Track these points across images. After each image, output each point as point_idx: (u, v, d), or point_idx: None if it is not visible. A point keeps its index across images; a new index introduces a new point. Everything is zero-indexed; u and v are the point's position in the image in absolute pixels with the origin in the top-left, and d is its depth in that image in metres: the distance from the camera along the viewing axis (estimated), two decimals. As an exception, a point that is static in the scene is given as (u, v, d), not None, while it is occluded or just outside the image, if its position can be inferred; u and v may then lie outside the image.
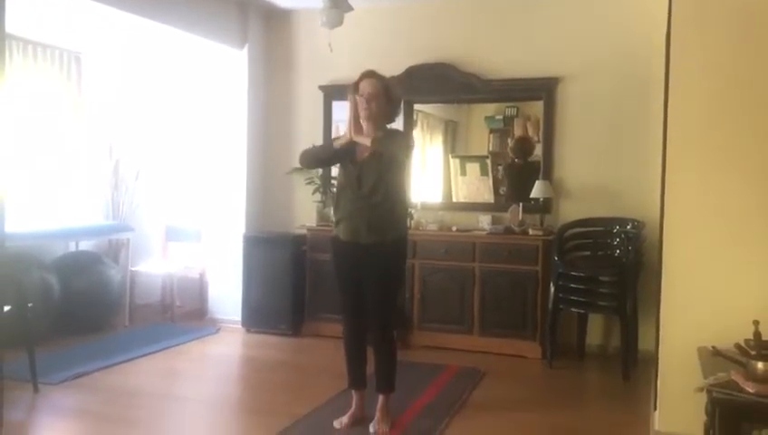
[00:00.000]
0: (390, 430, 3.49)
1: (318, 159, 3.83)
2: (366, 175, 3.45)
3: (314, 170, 5.79)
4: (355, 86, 3.53)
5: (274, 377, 4.60)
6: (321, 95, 6.02)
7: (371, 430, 3.48)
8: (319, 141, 5.90)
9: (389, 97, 3.52)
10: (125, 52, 6.27)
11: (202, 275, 6.26)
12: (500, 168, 5.76)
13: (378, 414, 3.54)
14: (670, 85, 3.40)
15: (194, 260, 6.22)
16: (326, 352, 5.09)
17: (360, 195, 3.45)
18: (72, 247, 5.93)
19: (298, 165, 5.72)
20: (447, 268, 5.25)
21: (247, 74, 6.01)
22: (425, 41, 5.67)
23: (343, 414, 3.60)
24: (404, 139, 3.63)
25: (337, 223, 3.58)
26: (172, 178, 6.38)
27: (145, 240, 6.29)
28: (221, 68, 6.07)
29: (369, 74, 3.53)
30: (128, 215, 6.27)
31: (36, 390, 4.05)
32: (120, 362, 4.74)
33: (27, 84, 5.54)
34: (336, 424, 3.55)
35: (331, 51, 5.11)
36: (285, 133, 6.17)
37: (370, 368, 3.65)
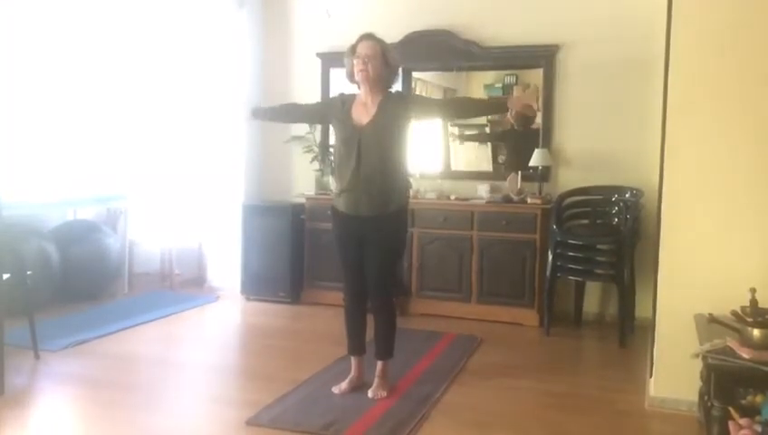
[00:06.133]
0: (389, 395, 3.52)
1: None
2: (366, 145, 3.42)
3: (312, 139, 5.79)
4: (352, 49, 3.51)
5: (274, 343, 4.64)
6: (319, 62, 5.97)
7: (370, 395, 3.51)
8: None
9: (387, 60, 3.47)
10: (122, 13, 6.19)
11: (201, 244, 6.27)
12: (488, 131, 5.71)
13: (376, 380, 3.58)
14: (671, 53, 3.38)
15: (193, 228, 6.22)
16: (325, 320, 5.13)
17: (360, 167, 3.41)
18: (69, 216, 5.93)
19: (296, 133, 5.78)
20: (446, 237, 5.26)
21: (246, 37, 5.96)
22: (424, 7, 5.60)
23: (342, 380, 3.63)
24: (402, 97, 3.60)
25: (337, 194, 3.56)
26: (170, 147, 6.35)
27: (143, 208, 6.28)
28: (219, 33, 6.01)
29: (367, 37, 3.50)
30: (125, 183, 6.25)
31: (37, 356, 4.08)
32: (120, 330, 4.76)
33: (25, 46, 5.48)
34: (335, 390, 3.58)
35: (329, 17, 5.05)
36: (283, 101, 6.04)
37: (369, 335, 3.68)
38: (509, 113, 3.51)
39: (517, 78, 5.64)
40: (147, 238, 6.22)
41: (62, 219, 5.84)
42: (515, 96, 3.45)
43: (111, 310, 5.33)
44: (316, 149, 5.79)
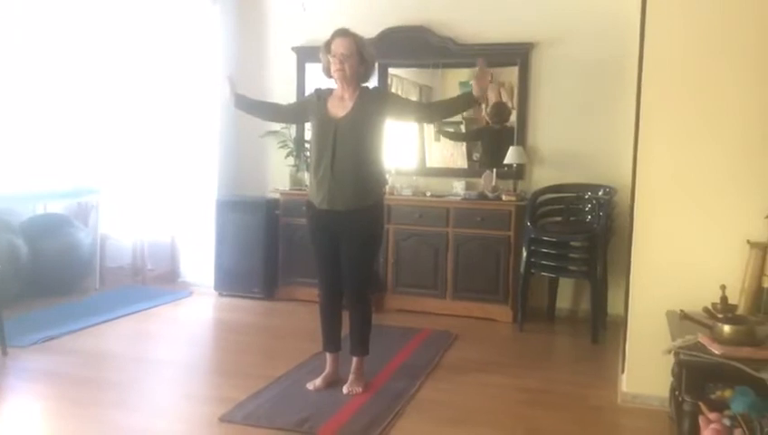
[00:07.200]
0: (364, 391, 3.52)
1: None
2: (342, 138, 3.40)
3: (287, 134, 5.75)
4: (327, 46, 3.47)
5: (248, 340, 4.61)
6: (294, 57, 5.93)
7: (345, 391, 3.51)
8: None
9: (363, 57, 3.46)
10: (94, 6, 6.09)
11: (174, 239, 6.21)
12: (463, 129, 5.73)
13: (351, 376, 3.57)
14: (645, 53, 3.42)
15: (165, 223, 6.16)
16: (300, 316, 5.11)
17: (336, 159, 3.39)
18: (40, 210, 5.83)
19: (271, 128, 5.74)
20: (421, 233, 5.27)
21: (220, 31, 5.91)
22: (401, 3, 5.59)
23: (317, 377, 3.62)
24: (380, 94, 3.57)
25: (312, 188, 3.53)
26: (143, 140, 6.27)
27: (115, 202, 6.20)
28: (193, 28, 5.95)
29: (342, 33, 3.46)
30: (97, 176, 6.16)
31: (5, 353, 4.01)
32: (91, 326, 4.70)
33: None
34: (309, 386, 3.56)
35: (305, 10, 5.01)
36: (258, 96, 5.90)
37: (345, 331, 3.67)
38: (480, 102, 3.45)
39: (492, 76, 5.63)
40: (119, 232, 6.14)
41: (31, 213, 5.74)
42: (475, 78, 3.41)
43: (82, 305, 5.26)
44: (291, 145, 5.76)
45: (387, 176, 3.72)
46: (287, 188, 5.70)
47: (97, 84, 6.21)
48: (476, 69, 3.40)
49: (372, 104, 3.45)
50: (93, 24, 6.14)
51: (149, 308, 5.27)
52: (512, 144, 5.34)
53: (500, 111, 5.59)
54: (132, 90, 6.24)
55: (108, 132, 6.26)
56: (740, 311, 2.95)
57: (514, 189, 5.26)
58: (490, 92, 5.63)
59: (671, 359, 2.75)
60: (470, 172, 5.59)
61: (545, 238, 4.85)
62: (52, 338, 4.36)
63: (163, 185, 6.19)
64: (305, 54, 5.78)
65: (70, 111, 6.07)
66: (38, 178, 5.78)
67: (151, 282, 6.04)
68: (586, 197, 5.04)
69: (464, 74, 5.70)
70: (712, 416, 2.47)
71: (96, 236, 5.92)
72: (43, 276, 5.35)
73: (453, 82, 5.77)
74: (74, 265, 5.62)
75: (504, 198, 5.13)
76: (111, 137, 6.27)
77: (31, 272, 5.24)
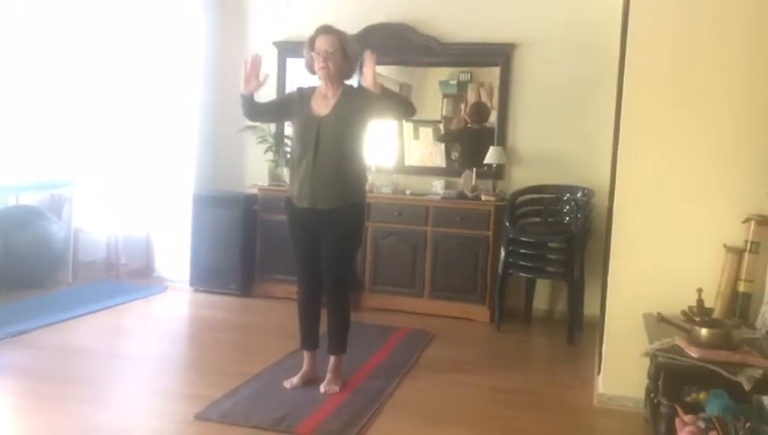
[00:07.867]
0: (341, 390, 3.50)
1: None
2: (325, 136, 3.37)
3: (267, 129, 5.71)
4: (311, 42, 3.44)
5: (223, 337, 4.56)
6: (275, 52, 5.88)
7: (322, 390, 3.48)
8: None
9: (347, 54, 3.44)
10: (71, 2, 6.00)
11: (148, 233, 6.13)
12: (441, 127, 5.71)
13: (329, 375, 3.56)
14: (627, 57, 3.44)
15: (140, 217, 6.08)
16: (277, 313, 5.07)
17: (318, 158, 3.36)
18: (11, 202, 5.72)
19: (250, 123, 5.68)
20: (400, 232, 5.26)
21: (200, 25, 5.84)
22: (384, 0, 5.57)
23: (294, 375, 3.59)
24: (363, 93, 3.53)
25: (294, 186, 3.49)
26: (119, 133, 6.17)
27: (89, 195, 6.10)
28: (173, 21, 5.87)
29: (326, 30, 3.43)
30: (71, 168, 6.06)
31: (-26, 347, 3.93)
32: (63, 320, 4.62)
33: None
34: (286, 385, 3.53)
35: (288, 5, 4.97)
36: (238, 90, 5.97)
37: (323, 329, 3.65)
38: (379, 92, 3.46)
39: (471, 75, 5.66)
40: (93, 226, 6.05)
41: (3, 205, 5.63)
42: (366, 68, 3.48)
43: (54, 300, 5.17)
44: (271, 140, 5.71)
45: (367, 174, 3.70)
46: (266, 184, 5.65)
47: (74, 76, 6.11)
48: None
49: (355, 103, 3.43)
50: (70, 18, 6.03)
51: (123, 303, 5.19)
52: (491, 144, 5.35)
53: (479, 110, 5.60)
54: (110, 83, 6.14)
55: (83, 124, 6.16)
56: (716, 314, 2.99)
57: (494, 189, 5.27)
58: (470, 93, 5.65)
59: (647, 361, 2.77)
60: (449, 171, 5.59)
61: (523, 239, 4.86)
62: (22, 332, 4.28)
63: (139, 178, 6.10)
64: (287, 49, 5.74)
65: (44, 102, 5.96)
66: (10, 170, 5.67)
67: (125, 277, 5.95)
68: (564, 198, 5.07)
69: (445, 73, 5.71)
70: (687, 418, 2.49)
71: (69, 230, 5.82)
72: (14, 270, 5.25)
73: (434, 80, 5.77)
74: (47, 258, 5.53)
75: (483, 197, 5.14)
76: (87, 129, 6.17)
77: (2, 265, 5.14)
